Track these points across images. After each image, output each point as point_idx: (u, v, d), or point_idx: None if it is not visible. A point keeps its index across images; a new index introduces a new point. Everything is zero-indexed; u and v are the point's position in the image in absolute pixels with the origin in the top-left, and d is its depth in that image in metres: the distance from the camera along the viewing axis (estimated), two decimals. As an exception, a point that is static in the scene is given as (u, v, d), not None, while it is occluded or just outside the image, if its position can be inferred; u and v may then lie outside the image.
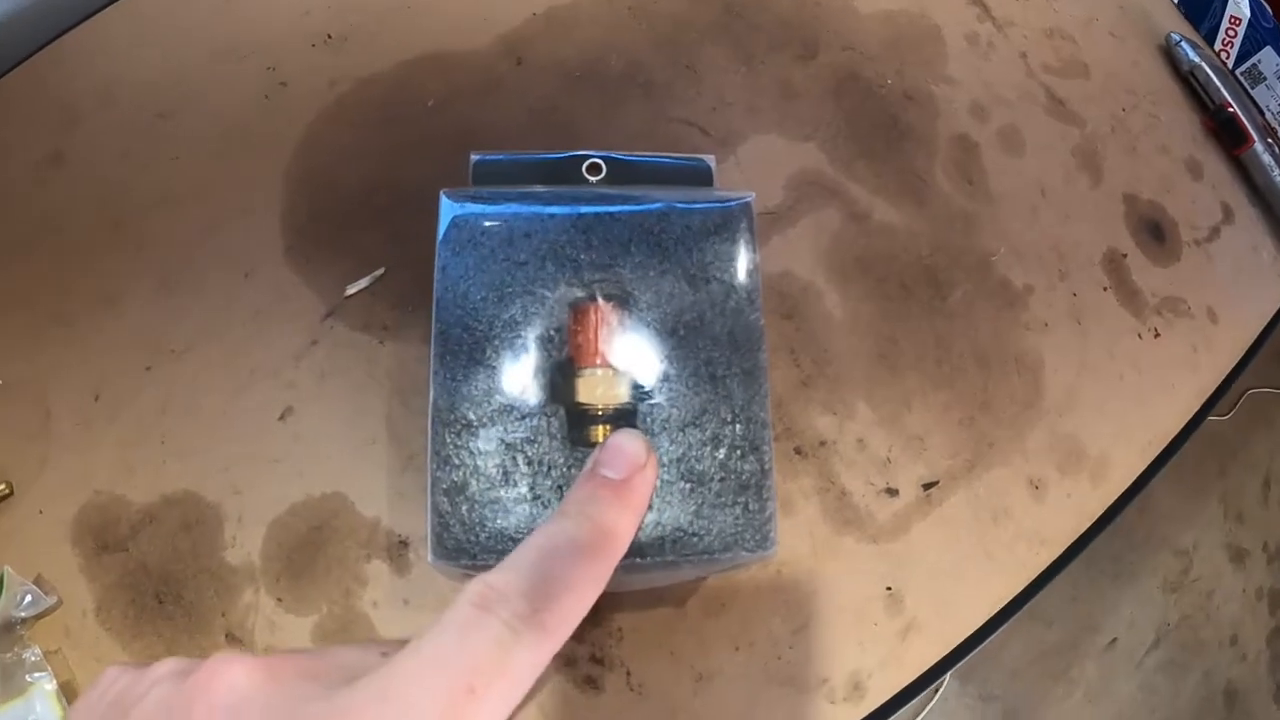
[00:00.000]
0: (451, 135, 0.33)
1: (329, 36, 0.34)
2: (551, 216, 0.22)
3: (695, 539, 0.21)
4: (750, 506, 0.22)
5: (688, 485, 0.21)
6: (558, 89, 0.34)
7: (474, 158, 0.25)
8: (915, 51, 0.37)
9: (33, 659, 0.25)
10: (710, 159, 0.26)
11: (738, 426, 0.22)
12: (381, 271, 0.30)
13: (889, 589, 0.29)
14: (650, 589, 0.27)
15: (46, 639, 0.26)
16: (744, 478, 0.22)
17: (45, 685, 0.25)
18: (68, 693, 0.25)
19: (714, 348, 0.22)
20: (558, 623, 0.13)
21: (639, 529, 0.21)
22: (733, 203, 0.23)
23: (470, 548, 0.21)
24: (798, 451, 0.30)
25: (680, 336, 0.22)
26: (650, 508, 0.21)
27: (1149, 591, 1.04)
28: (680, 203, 0.23)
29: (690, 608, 0.28)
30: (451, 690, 0.12)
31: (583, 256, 0.22)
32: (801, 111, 0.35)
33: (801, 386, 0.30)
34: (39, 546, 0.27)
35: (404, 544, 0.27)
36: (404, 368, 0.29)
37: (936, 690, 0.98)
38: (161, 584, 0.26)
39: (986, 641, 0.31)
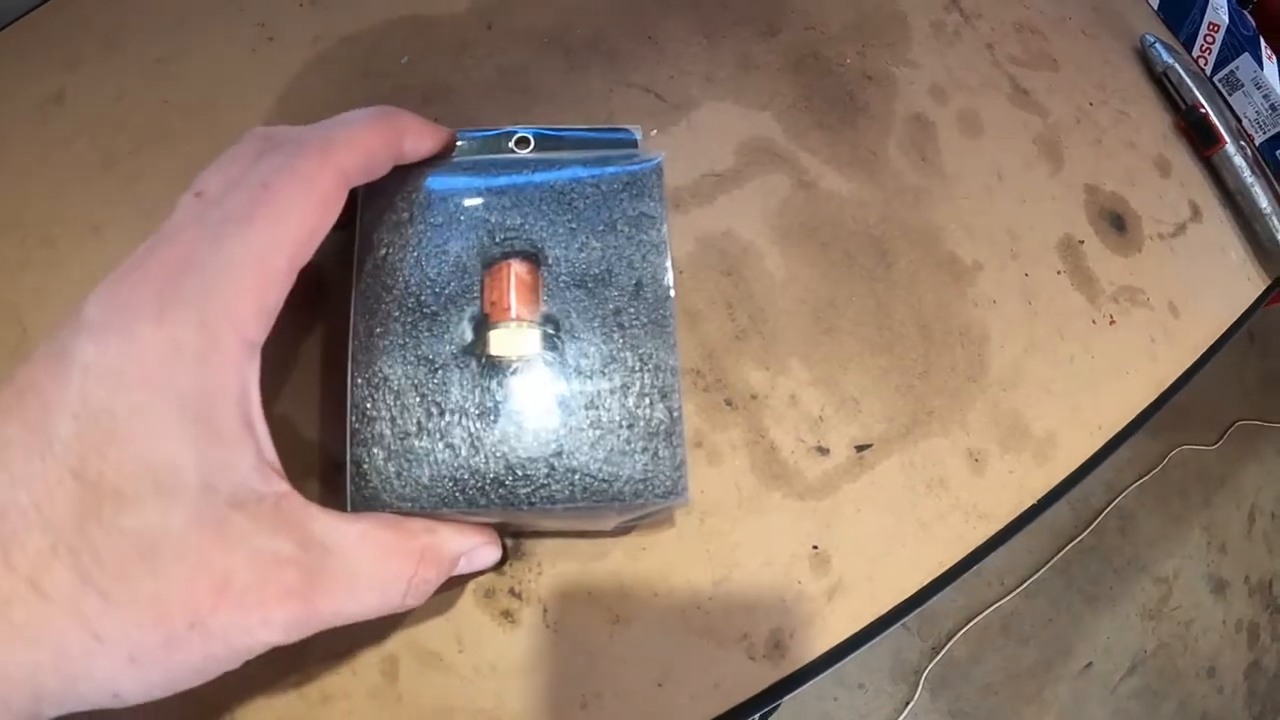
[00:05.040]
0: (422, 90, 0.32)
1: (316, -2, 0.34)
2: (468, 182, 0.23)
3: (605, 484, 0.20)
4: (660, 453, 0.21)
5: (596, 432, 0.21)
6: (525, 53, 0.33)
7: None
8: (878, 35, 0.36)
9: None
10: (636, 130, 0.25)
11: (645, 375, 0.21)
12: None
13: (815, 548, 0.27)
14: (568, 530, 0.26)
15: None
16: (653, 425, 0.21)
17: None
18: None
19: (621, 298, 0.22)
20: None
21: (549, 473, 0.21)
22: (643, 164, 0.23)
23: (386, 496, 0.20)
24: (728, 403, 0.28)
25: (589, 289, 0.22)
26: (560, 453, 0.21)
27: (1127, 617, 0.98)
28: (593, 165, 0.23)
29: (611, 549, 0.26)
30: None
31: (495, 219, 0.22)
32: (759, 83, 0.33)
33: (735, 340, 0.29)
34: None
35: (339, 468, 0.26)
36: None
37: (907, 703, 0.93)
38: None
39: (915, 612, 0.28)
